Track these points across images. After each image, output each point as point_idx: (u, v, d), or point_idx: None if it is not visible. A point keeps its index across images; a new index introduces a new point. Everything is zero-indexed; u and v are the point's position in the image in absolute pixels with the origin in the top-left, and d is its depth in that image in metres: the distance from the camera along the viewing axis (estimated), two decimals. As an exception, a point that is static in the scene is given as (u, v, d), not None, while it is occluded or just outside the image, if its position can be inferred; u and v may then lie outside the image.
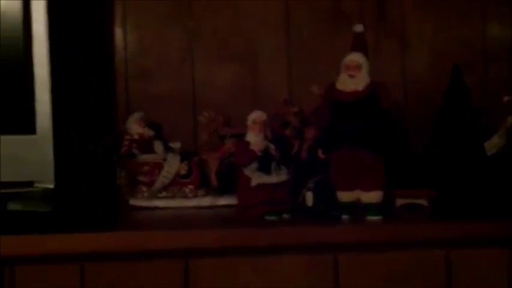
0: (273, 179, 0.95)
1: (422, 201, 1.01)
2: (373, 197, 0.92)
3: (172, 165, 1.12)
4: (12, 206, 1.02)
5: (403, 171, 1.07)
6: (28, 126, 1.00)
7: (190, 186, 1.13)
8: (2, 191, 1.00)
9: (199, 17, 1.31)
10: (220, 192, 1.14)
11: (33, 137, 0.99)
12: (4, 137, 0.98)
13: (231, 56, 1.32)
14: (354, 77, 0.90)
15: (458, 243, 0.91)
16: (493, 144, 1.13)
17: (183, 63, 1.32)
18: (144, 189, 1.12)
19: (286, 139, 1.14)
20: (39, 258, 0.85)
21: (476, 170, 1.12)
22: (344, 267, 0.89)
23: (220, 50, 1.32)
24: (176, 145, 1.16)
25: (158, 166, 1.12)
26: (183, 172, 1.13)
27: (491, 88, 1.36)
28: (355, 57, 0.91)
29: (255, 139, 0.98)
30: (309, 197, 0.96)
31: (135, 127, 1.17)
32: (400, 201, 1.02)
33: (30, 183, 1.02)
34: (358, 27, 0.94)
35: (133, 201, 1.12)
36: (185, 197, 1.12)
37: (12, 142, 0.99)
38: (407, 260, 0.91)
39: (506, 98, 1.12)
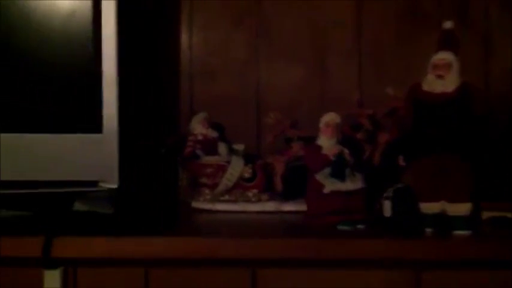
0: (347, 186, 0.88)
1: (514, 216, 0.90)
2: (461, 209, 0.83)
3: (236, 168, 1.08)
4: (76, 206, 1.01)
5: (490, 180, 0.96)
6: (94, 125, 0.99)
7: (254, 190, 1.08)
8: (67, 189, 0.98)
9: (266, 17, 1.27)
10: (285, 197, 1.08)
11: (99, 136, 0.98)
12: (71, 136, 0.97)
13: (298, 56, 1.26)
14: (443, 77, 0.82)
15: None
16: None
17: (248, 63, 1.27)
18: (207, 191, 1.09)
19: (358, 143, 1.07)
20: (101, 260, 0.82)
21: None
22: (425, 284, 0.81)
23: (287, 50, 1.26)
24: (240, 147, 1.12)
25: (222, 168, 1.08)
26: (246, 175, 1.09)
27: None
28: (445, 56, 0.83)
29: (327, 143, 0.92)
30: (387, 207, 0.88)
31: (199, 128, 1.14)
32: (487, 214, 0.92)
33: (94, 183, 1.00)
34: (448, 24, 0.86)
35: (195, 204, 1.08)
36: (248, 201, 1.08)
37: (78, 141, 0.98)
38: (498, 280, 0.81)
39: None
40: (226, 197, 1.08)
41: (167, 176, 1.14)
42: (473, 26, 1.24)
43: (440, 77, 0.82)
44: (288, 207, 1.05)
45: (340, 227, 0.87)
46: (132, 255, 0.81)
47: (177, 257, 0.81)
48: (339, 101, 1.20)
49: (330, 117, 0.93)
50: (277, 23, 1.26)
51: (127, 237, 0.82)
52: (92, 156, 0.97)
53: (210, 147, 1.12)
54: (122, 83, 0.98)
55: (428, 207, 0.84)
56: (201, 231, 0.92)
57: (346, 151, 0.91)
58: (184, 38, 1.29)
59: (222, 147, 1.13)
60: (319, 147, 0.93)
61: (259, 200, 1.08)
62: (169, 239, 0.82)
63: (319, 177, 0.90)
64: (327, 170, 0.90)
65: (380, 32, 1.25)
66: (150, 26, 1.16)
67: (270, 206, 1.06)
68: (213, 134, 1.14)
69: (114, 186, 0.99)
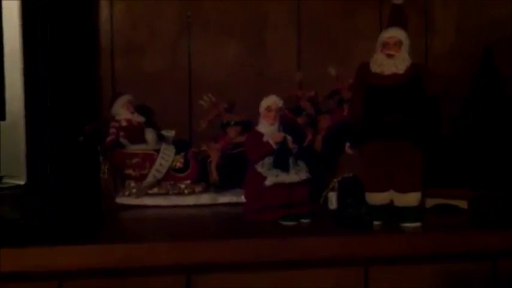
0: (291, 177, 0.80)
1: (460, 203, 0.87)
2: (410, 199, 0.77)
3: (166, 157, 0.96)
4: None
5: (435, 166, 0.93)
6: (-5, 111, 0.85)
7: (187, 182, 0.98)
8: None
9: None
10: (221, 188, 0.99)
11: (1, 123, 0.84)
12: (-36, 123, 0.82)
13: (234, 30, 1.15)
14: (393, 56, 0.75)
15: (506, 253, 0.77)
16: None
17: (178, 38, 1.14)
18: (133, 184, 0.96)
19: (300, 128, 0.99)
20: (9, 275, 0.68)
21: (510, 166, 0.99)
22: (376, 283, 0.75)
23: (222, 24, 1.14)
24: (170, 133, 1.00)
25: (149, 158, 0.96)
26: (178, 165, 0.97)
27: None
28: (395, 33, 0.76)
29: (269, 129, 0.83)
30: (333, 199, 0.81)
31: (122, 112, 1.00)
32: (430, 201, 0.88)
33: (-3, 178, 0.86)
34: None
35: (119, 199, 0.96)
36: (181, 193, 0.97)
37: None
38: (449, 273, 0.77)
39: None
40: (156, 190, 0.97)
41: (86, 169, 0.99)
42: (413, 2, 1.18)
43: (390, 56, 0.75)
44: (225, 198, 0.96)
45: (283, 222, 0.79)
46: (44, 268, 0.68)
47: (98, 267, 0.69)
48: (279, 81, 1.11)
49: (271, 101, 0.84)
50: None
51: (37, 247, 0.68)
52: (-7, 147, 0.83)
53: (135, 134, 0.99)
54: (27, 62, 0.85)
55: (376, 198, 0.78)
56: (126, 234, 0.80)
57: (289, 138, 0.83)
58: (103, 8, 1.13)
59: (149, 134, 1.00)
60: (261, 134, 0.84)
61: (192, 192, 0.97)
62: (87, 248, 0.69)
63: (261, 168, 0.81)
64: (269, 160, 0.81)
65: (321, 6, 1.16)
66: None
67: (205, 198, 0.96)
68: (139, 119, 1.01)
69: (21, 182, 0.85)
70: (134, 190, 0.96)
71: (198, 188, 0.98)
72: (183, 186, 0.98)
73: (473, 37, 1.19)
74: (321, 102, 1.06)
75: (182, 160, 0.98)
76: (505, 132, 1.03)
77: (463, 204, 0.87)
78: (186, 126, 1.14)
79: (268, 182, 0.79)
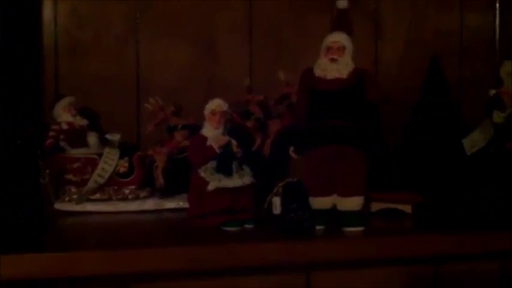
0: (234, 182, 0.78)
1: (405, 207, 0.87)
2: (352, 203, 0.77)
3: (109, 162, 0.93)
4: None
5: (379, 171, 0.93)
6: None
7: (131, 187, 0.94)
8: None
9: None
10: (166, 193, 0.96)
11: None
12: None
13: (184, 33, 1.13)
14: (336, 61, 0.75)
15: (447, 258, 0.78)
16: (473, 141, 1.02)
17: (126, 40, 1.11)
18: (74, 190, 0.92)
19: (248, 132, 0.98)
20: None
21: (456, 172, 1.01)
22: (318, 289, 0.74)
23: (172, 26, 1.12)
24: (115, 137, 0.96)
25: (91, 162, 0.93)
26: (122, 170, 0.94)
27: (469, 82, 1.25)
28: (338, 38, 0.76)
29: (213, 133, 0.81)
30: (276, 204, 0.80)
31: (63, 115, 0.96)
32: (376, 206, 0.88)
33: None
34: (342, 3, 0.79)
35: (59, 205, 0.92)
36: (124, 199, 0.94)
37: None
38: (391, 277, 0.78)
39: (492, 92, 1.01)
40: (98, 195, 0.93)
41: (24, 174, 0.95)
42: (364, 7, 1.20)
43: (333, 60, 0.75)
44: (171, 204, 0.93)
45: (226, 228, 0.77)
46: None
47: (26, 277, 0.65)
48: (229, 86, 1.09)
49: (215, 104, 0.82)
50: (159, -4, 1.12)
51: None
52: None
53: (77, 138, 0.95)
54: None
55: (320, 203, 0.77)
56: (62, 242, 0.76)
57: (234, 142, 0.81)
58: (47, 7, 1.08)
59: (91, 138, 0.96)
60: (204, 138, 0.82)
61: (137, 198, 0.94)
62: (16, 257, 0.65)
63: (203, 172, 0.79)
64: (212, 164, 0.79)
65: (273, 11, 1.16)
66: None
67: (150, 204, 0.93)
68: (81, 122, 0.98)
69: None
70: (75, 196, 0.92)
71: (142, 193, 0.95)
72: (127, 191, 0.95)
73: (422, 47, 1.22)
74: (271, 107, 1.05)
75: (126, 164, 0.95)
76: (452, 138, 1.05)
77: (407, 208, 0.88)
78: (134, 130, 1.11)
79: (210, 187, 0.77)
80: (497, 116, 1.00)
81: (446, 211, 0.90)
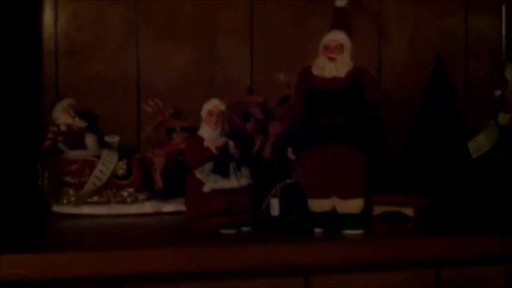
0: (231, 183, 0.77)
1: (407, 210, 0.85)
2: (352, 206, 0.75)
3: (108, 164, 0.92)
4: None
5: (382, 174, 0.91)
6: None
7: (130, 189, 0.93)
8: None
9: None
10: (165, 196, 0.95)
11: None
12: None
13: (185, 35, 1.12)
14: (334, 60, 0.74)
15: (450, 262, 0.76)
16: (478, 144, 1.00)
17: (126, 42, 1.10)
18: (71, 192, 0.92)
19: (247, 134, 0.97)
20: None
21: (461, 175, 0.99)
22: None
23: (172, 28, 1.12)
24: (113, 139, 0.96)
25: (89, 165, 0.92)
26: (121, 172, 0.93)
27: (474, 83, 1.23)
28: (336, 36, 0.75)
29: (210, 134, 0.80)
30: (275, 205, 0.78)
31: (62, 116, 0.96)
32: (378, 209, 0.86)
33: None
34: (340, 2, 0.78)
35: (57, 208, 0.91)
36: (123, 202, 0.93)
37: None
38: (392, 282, 0.75)
39: (497, 93, 0.99)
40: (96, 198, 0.92)
41: (23, 176, 0.94)
42: (367, 8, 1.18)
43: (332, 59, 0.73)
44: (169, 207, 0.92)
45: (223, 230, 0.76)
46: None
47: (23, 277, 0.65)
48: (229, 87, 1.08)
49: (213, 105, 0.81)
50: (160, -2, 1.11)
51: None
52: None
53: (75, 140, 0.95)
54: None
55: (318, 205, 0.76)
56: (60, 243, 0.75)
57: (231, 143, 0.80)
58: (47, 9, 1.08)
59: (90, 140, 0.96)
60: (201, 139, 0.81)
61: (135, 201, 0.93)
62: (16, 257, 0.64)
63: (200, 173, 0.78)
64: (209, 166, 0.78)
65: (274, 13, 1.15)
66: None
67: (148, 206, 0.92)
68: (80, 123, 0.97)
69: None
70: (73, 198, 0.92)
71: (141, 196, 0.94)
72: (125, 194, 0.94)
73: (426, 47, 1.20)
74: (271, 109, 1.04)
75: (125, 167, 0.94)
76: (457, 140, 1.03)
77: (410, 212, 0.86)
78: (134, 132, 1.10)
79: (206, 188, 0.76)
80: (503, 118, 0.98)
81: (450, 214, 0.88)
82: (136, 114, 1.11)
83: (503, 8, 1.25)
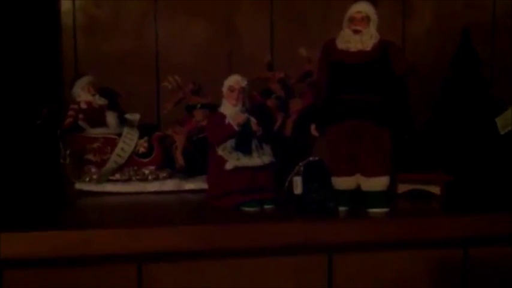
0: (254, 161, 0.75)
1: (434, 189, 0.83)
2: (376, 184, 0.74)
3: (129, 142, 0.92)
4: None
5: (407, 151, 0.89)
6: None
7: (151, 167, 0.93)
8: None
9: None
10: (187, 174, 0.95)
11: None
12: None
13: (203, 10, 1.09)
14: (360, 32, 0.71)
15: (477, 241, 0.74)
16: (506, 120, 0.97)
17: (145, 18, 1.09)
18: (93, 170, 0.92)
19: (269, 111, 0.95)
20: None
21: (489, 152, 0.96)
22: (340, 271, 0.72)
23: (190, 3, 1.09)
24: (134, 117, 0.95)
25: (111, 142, 0.92)
26: (142, 150, 0.93)
27: (502, 57, 1.19)
28: (362, 8, 0.72)
29: (231, 110, 0.79)
30: (298, 184, 0.77)
31: (82, 94, 0.95)
32: (403, 187, 0.85)
33: None
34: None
35: (79, 185, 0.91)
36: (144, 179, 0.92)
37: None
38: (417, 261, 0.74)
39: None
40: (117, 176, 0.92)
41: (44, 154, 0.94)
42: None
43: (357, 32, 0.71)
44: (190, 185, 0.92)
45: (245, 209, 0.75)
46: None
47: (45, 255, 0.65)
48: (249, 63, 1.06)
49: (234, 80, 0.80)
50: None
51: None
52: None
53: (96, 118, 0.95)
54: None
55: (343, 183, 0.74)
56: (80, 221, 0.75)
57: (253, 120, 0.78)
58: (65, -15, 1.07)
59: (110, 117, 0.95)
60: (223, 116, 0.79)
61: (156, 178, 0.93)
62: (34, 235, 0.65)
63: (222, 151, 0.77)
64: (231, 143, 0.77)
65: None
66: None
67: (170, 184, 0.92)
68: (100, 101, 0.97)
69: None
70: (94, 176, 0.92)
71: (162, 174, 0.94)
72: (146, 171, 0.94)
73: (450, 20, 1.16)
74: (293, 85, 1.01)
75: (146, 145, 0.93)
76: (483, 116, 1.00)
77: (436, 190, 0.84)
78: (154, 110, 1.09)
79: (228, 166, 0.75)
80: (533, 92, 0.94)
81: (477, 192, 0.85)
82: (156, 91, 1.10)
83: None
